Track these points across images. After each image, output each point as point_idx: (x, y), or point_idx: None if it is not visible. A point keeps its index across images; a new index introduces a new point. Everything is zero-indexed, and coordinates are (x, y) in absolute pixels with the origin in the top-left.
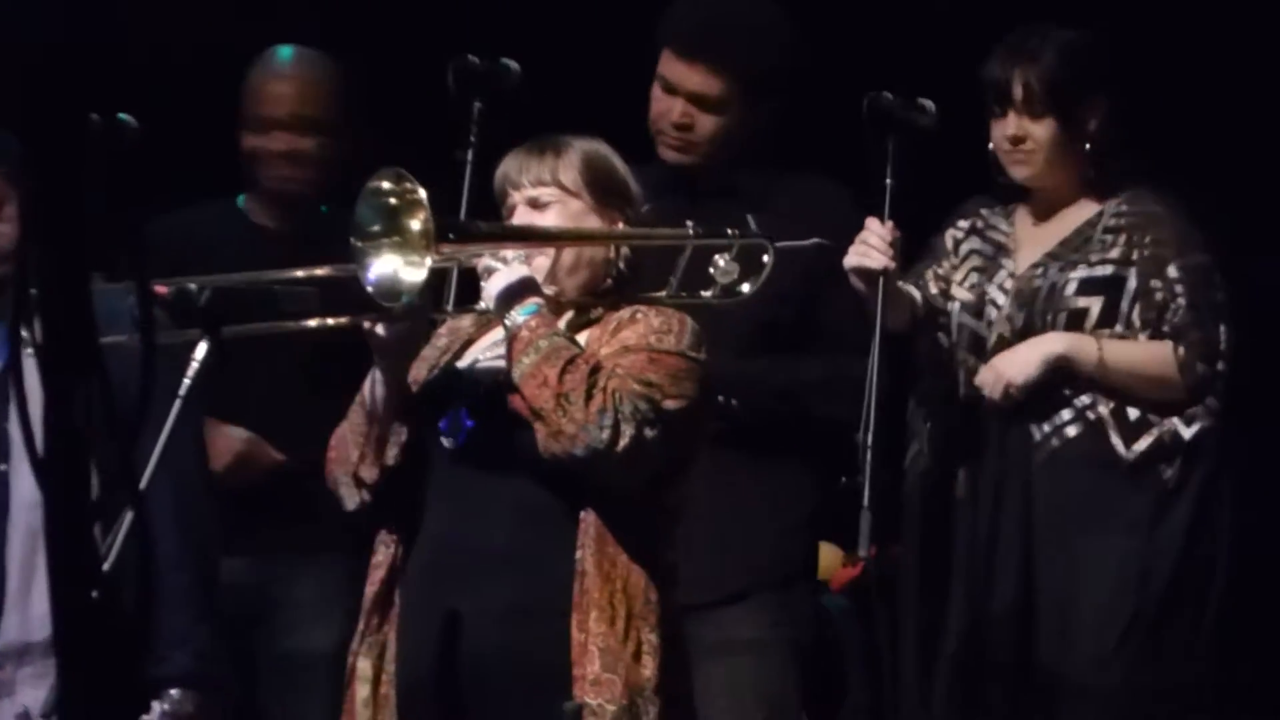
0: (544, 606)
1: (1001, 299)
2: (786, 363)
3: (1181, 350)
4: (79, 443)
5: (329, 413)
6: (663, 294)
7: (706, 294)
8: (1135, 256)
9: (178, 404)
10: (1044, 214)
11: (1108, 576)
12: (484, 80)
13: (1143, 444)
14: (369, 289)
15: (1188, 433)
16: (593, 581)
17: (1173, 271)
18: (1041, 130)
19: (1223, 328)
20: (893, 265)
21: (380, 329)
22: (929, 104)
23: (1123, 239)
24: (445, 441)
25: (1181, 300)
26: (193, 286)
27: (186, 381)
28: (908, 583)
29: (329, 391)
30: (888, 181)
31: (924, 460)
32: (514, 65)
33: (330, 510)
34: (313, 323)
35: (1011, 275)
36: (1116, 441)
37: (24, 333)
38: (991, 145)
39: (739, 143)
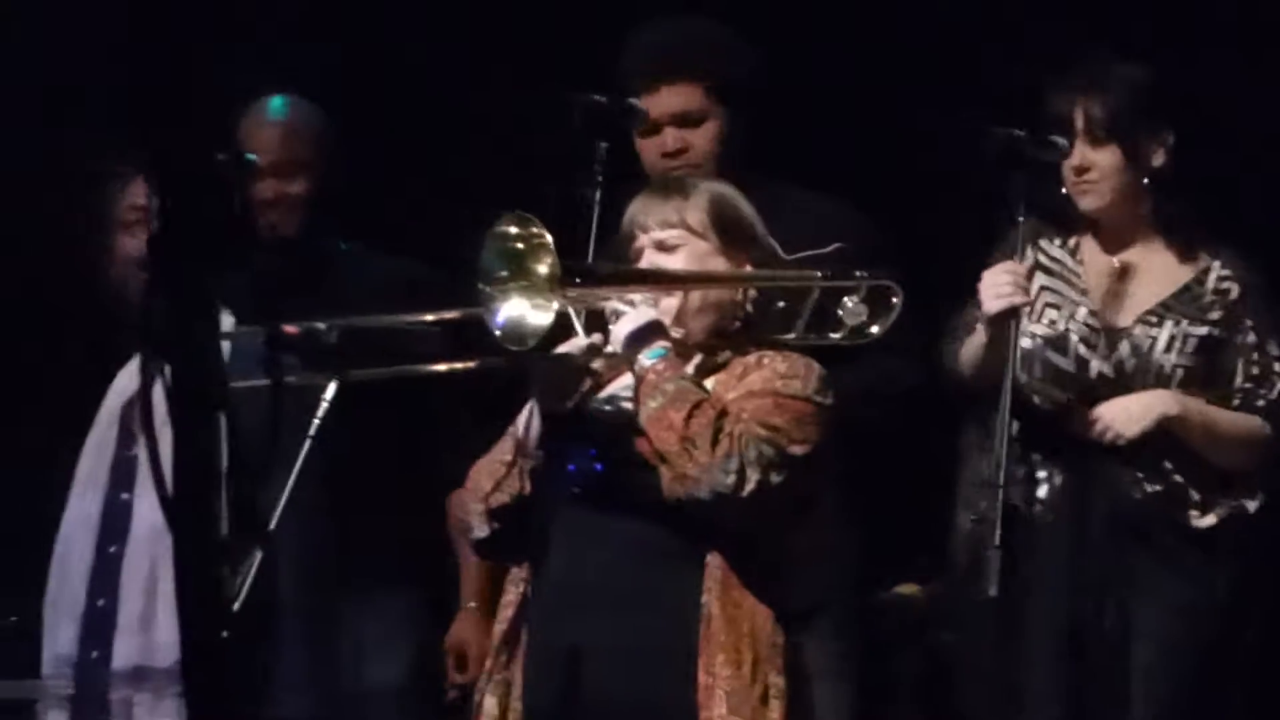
0: (670, 648)
1: (1094, 338)
2: (879, 387)
3: (1269, 429)
4: (207, 480)
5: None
6: (790, 336)
7: (835, 336)
8: (1241, 324)
9: (307, 443)
10: (1112, 248)
11: (1168, 636)
12: (610, 119)
13: (1216, 514)
14: (497, 333)
15: (1252, 506)
16: (719, 624)
17: (1274, 348)
18: (1104, 158)
19: None
20: (1029, 301)
21: (541, 366)
22: (1061, 140)
23: (1229, 301)
24: (573, 483)
25: (1278, 380)
26: (321, 326)
27: (315, 421)
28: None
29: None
30: (1019, 219)
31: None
32: (640, 105)
33: (397, 546)
34: (442, 366)
35: (1093, 313)
36: (1193, 508)
37: (154, 367)
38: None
39: (733, 155)
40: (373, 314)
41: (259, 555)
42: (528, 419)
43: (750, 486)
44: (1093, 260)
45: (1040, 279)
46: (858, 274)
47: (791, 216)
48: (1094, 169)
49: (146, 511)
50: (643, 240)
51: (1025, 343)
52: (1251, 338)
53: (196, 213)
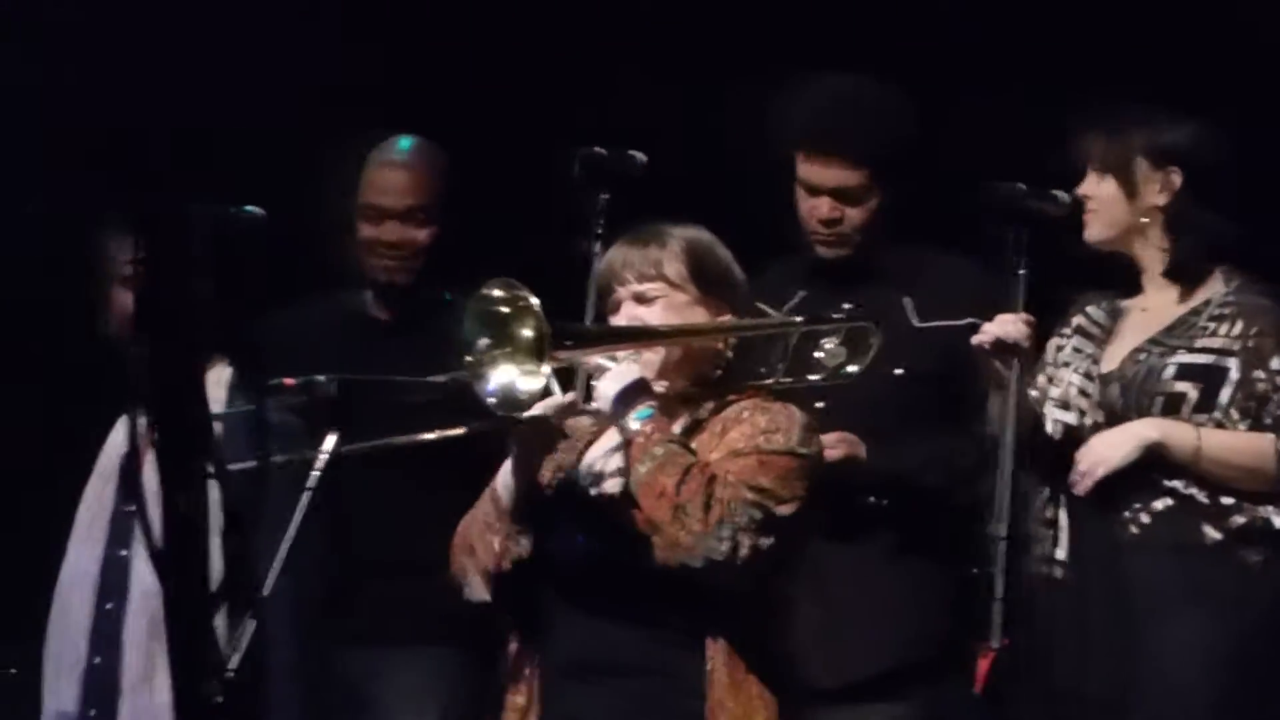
0: (678, 714)
1: (1090, 386)
2: (942, 455)
3: None
4: (196, 534)
5: (440, 505)
6: (770, 381)
7: (814, 377)
8: (1239, 346)
9: (305, 496)
10: (1135, 295)
11: (1195, 657)
12: (609, 171)
13: (1232, 525)
14: (489, 401)
15: (1279, 522)
16: (724, 690)
17: (1276, 363)
18: (1103, 189)
19: None
20: (1029, 344)
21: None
22: (1062, 194)
23: (1225, 327)
24: (565, 561)
25: None
26: (320, 379)
27: (314, 474)
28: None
29: (438, 485)
30: (1021, 273)
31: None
32: (639, 156)
33: (431, 602)
34: (432, 435)
35: (1095, 362)
36: (1205, 524)
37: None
38: None
39: (883, 225)
40: None
41: (253, 622)
42: (504, 479)
43: (744, 552)
44: (1124, 314)
45: (1075, 341)
46: (835, 315)
47: (935, 284)
48: (1094, 198)
49: (144, 569)
50: (621, 292)
51: (1048, 409)
52: (1253, 358)
53: (185, 267)
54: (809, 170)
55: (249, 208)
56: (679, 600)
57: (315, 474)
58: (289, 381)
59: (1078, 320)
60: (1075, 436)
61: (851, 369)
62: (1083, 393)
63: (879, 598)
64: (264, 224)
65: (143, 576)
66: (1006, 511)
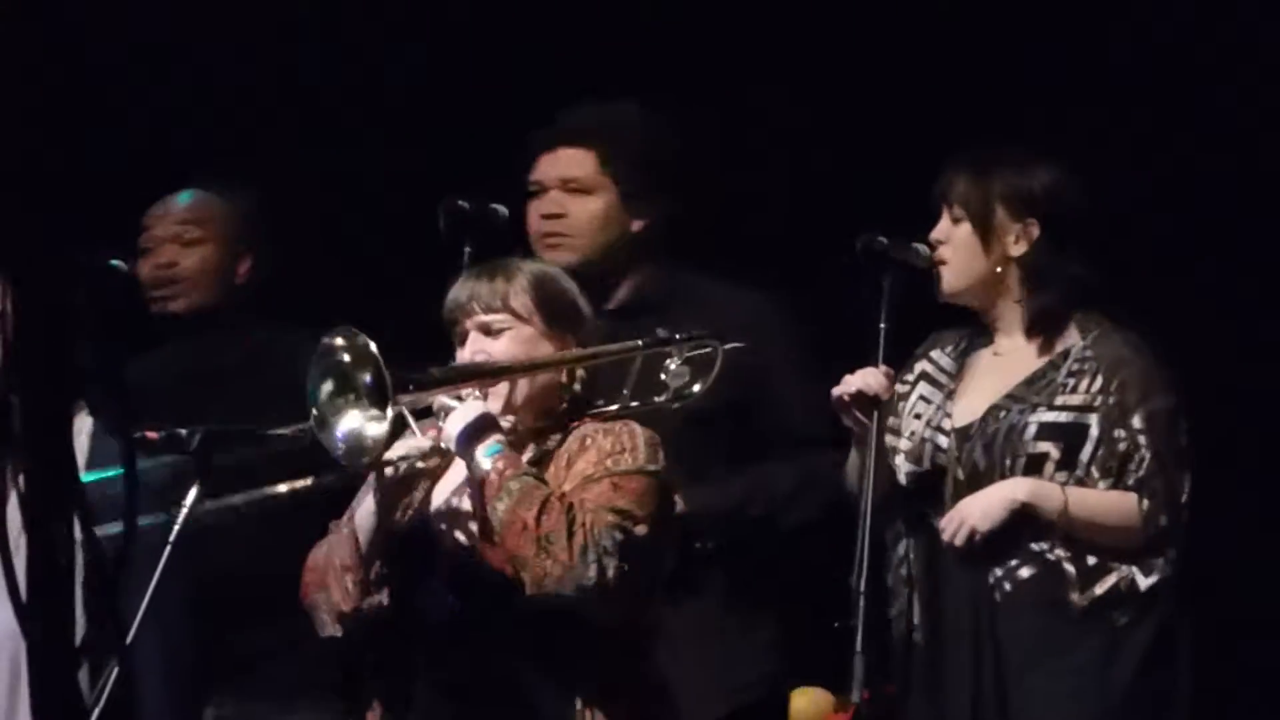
0: None
1: (943, 440)
2: (760, 484)
3: (1146, 503)
4: (61, 586)
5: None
6: (615, 406)
7: (659, 399)
8: (1099, 403)
9: (168, 550)
10: (988, 345)
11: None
12: (474, 223)
13: (1098, 590)
14: (337, 450)
15: (1145, 582)
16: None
17: (1137, 421)
18: (957, 234)
19: (1185, 477)
20: (888, 395)
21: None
22: (923, 247)
23: (1085, 383)
24: (432, 613)
25: (1145, 452)
26: (182, 431)
27: (176, 527)
28: None
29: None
30: (882, 325)
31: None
32: (502, 210)
33: (313, 654)
34: (283, 488)
35: (947, 414)
36: (1071, 586)
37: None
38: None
39: (628, 242)
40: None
41: (116, 667)
42: (362, 518)
43: (611, 575)
44: (973, 361)
45: (921, 389)
46: (676, 337)
47: (692, 309)
48: (948, 243)
49: (5, 615)
50: (467, 324)
51: (897, 459)
52: (1114, 414)
53: (53, 322)
54: (537, 170)
55: (114, 261)
56: (549, 657)
57: (177, 527)
58: (151, 434)
59: (921, 367)
60: (926, 488)
61: (696, 388)
62: (937, 447)
63: (712, 644)
64: (128, 275)
65: (4, 621)
66: (866, 565)
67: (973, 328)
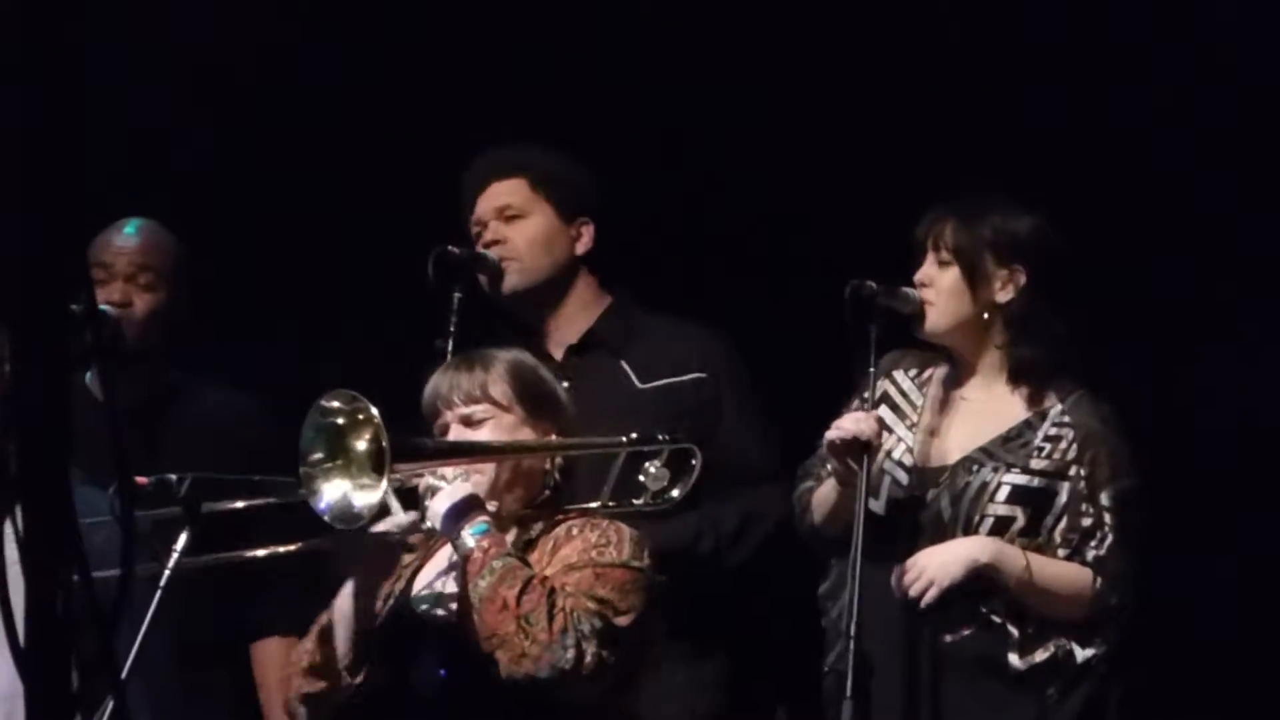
0: None
1: (902, 476)
2: (709, 521)
3: (1099, 582)
4: (61, 634)
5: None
6: (596, 504)
7: (638, 501)
8: (1071, 473)
9: (158, 594)
10: (959, 384)
11: None
12: (464, 270)
13: (1037, 658)
14: (324, 515)
15: (1082, 655)
16: None
17: (1105, 499)
18: (944, 278)
19: (1139, 559)
20: (879, 441)
21: (356, 546)
22: (913, 291)
23: (1060, 449)
24: (419, 690)
25: (1109, 533)
26: (173, 478)
27: (166, 572)
28: None
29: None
30: (871, 370)
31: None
32: (493, 256)
33: None
34: (262, 552)
35: (909, 449)
36: (1012, 649)
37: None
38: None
39: (574, 263)
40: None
41: (110, 705)
42: (345, 605)
43: (589, 660)
44: (935, 395)
45: (883, 412)
46: (661, 438)
47: (651, 343)
48: (933, 285)
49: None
50: (448, 416)
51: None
52: (1082, 487)
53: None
54: (476, 210)
55: (104, 307)
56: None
57: (167, 573)
58: (141, 480)
59: (883, 386)
60: (894, 529)
61: (674, 493)
62: (895, 481)
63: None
64: (115, 321)
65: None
66: (856, 606)
67: (933, 354)
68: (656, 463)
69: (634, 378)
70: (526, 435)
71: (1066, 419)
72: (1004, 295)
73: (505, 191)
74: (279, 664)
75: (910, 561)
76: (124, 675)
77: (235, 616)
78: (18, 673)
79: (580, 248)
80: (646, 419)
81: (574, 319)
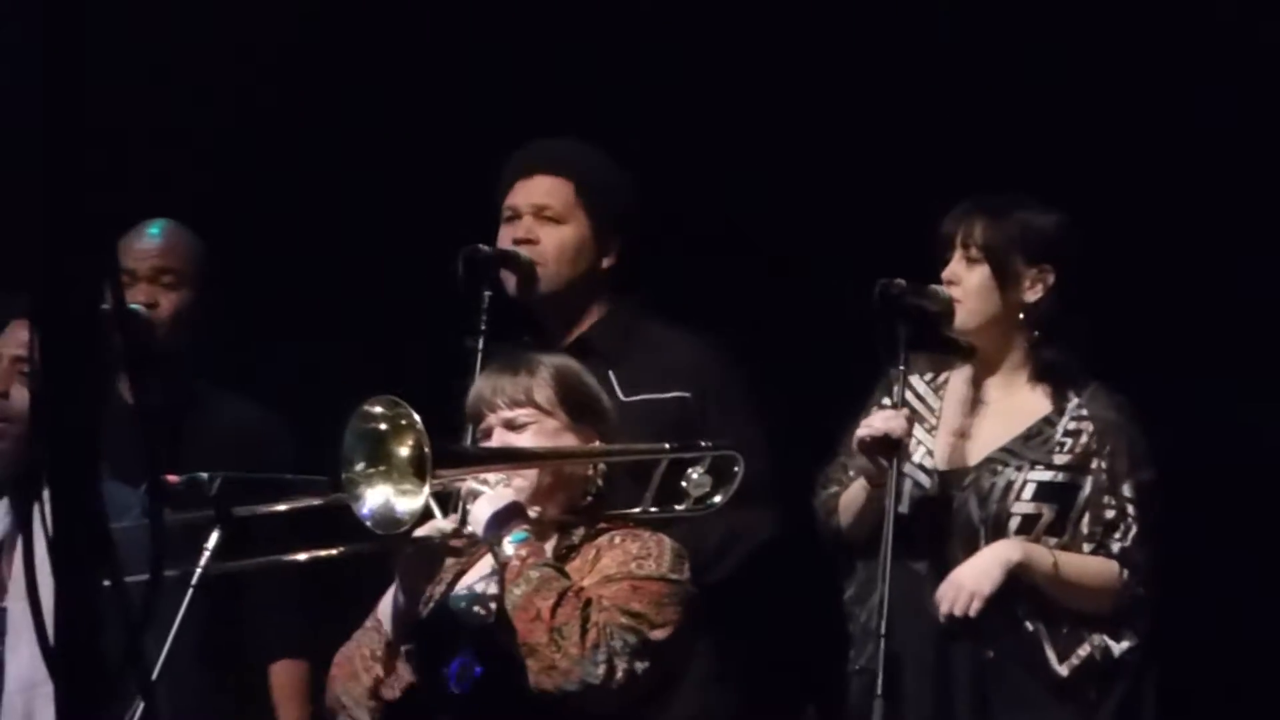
0: None
1: (923, 479)
2: (695, 535)
3: (1126, 574)
4: (90, 634)
5: None
6: (637, 510)
7: (679, 507)
8: (1093, 465)
9: (190, 592)
10: (980, 384)
11: None
12: (494, 268)
13: (1075, 660)
14: (366, 521)
15: (1117, 649)
16: None
17: (1127, 490)
18: (973, 277)
19: (1159, 550)
20: (909, 439)
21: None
22: (941, 290)
23: (1081, 444)
24: (454, 688)
25: (1134, 524)
26: (204, 476)
27: (198, 570)
28: None
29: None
30: (900, 368)
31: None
32: (523, 254)
33: None
34: (302, 556)
35: (930, 452)
36: (1050, 655)
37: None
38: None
39: (595, 278)
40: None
41: (140, 705)
42: (391, 605)
43: (619, 677)
44: (954, 397)
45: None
46: (703, 444)
47: (641, 355)
48: (961, 284)
49: (20, 664)
50: (491, 419)
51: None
52: (1104, 479)
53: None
54: (512, 195)
55: (135, 306)
56: None
57: (199, 571)
58: (172, 479)
59: (904, 392)
60: (900, 530)
61: (717, 499)
62: (917, 483)
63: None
64: (146, 320)
65: (18, 671)
66: (886, 606)
67: (945, 358)
68: (700, 469)
69: (619, 389)
70: (569, 440)
71: (1084, 411)
72: (1032, 295)
73: (548, 190)
74: (287, 684)
75: (945, 583)
76: (154, 676)
77: (237, 634)
78: (49, 673)
79: (606, 263)
80: (625, 432)
81: (578, 323)
